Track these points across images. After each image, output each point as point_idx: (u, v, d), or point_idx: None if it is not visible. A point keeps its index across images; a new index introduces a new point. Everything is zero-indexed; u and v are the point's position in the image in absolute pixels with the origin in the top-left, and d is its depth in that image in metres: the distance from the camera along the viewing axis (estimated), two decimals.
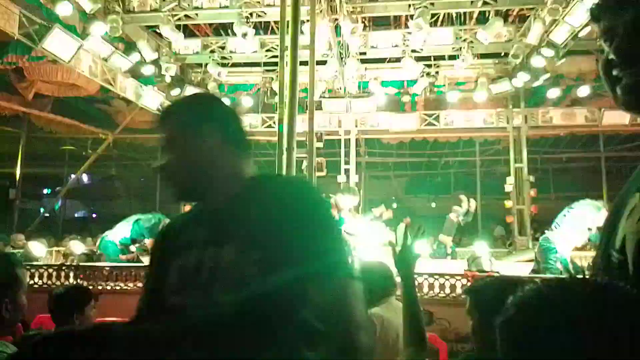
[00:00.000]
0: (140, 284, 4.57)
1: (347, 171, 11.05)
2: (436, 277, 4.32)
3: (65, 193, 16.00)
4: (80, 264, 5.42)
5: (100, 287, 4.63)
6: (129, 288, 4.65)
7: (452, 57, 9.71)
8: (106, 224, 7.97)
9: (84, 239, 8.86)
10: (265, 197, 1.13)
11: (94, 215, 20.93)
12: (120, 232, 6.51)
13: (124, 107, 11.44)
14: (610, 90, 0.84)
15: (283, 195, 1.13)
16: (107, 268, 4.98)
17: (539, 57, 8.20)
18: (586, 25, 7.08)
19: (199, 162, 1.17)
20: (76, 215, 21.01)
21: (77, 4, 6.68)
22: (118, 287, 4.70)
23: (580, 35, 7.24)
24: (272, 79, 10.38)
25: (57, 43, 6.81)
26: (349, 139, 11.25)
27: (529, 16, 8.34)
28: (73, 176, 15.31)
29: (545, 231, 5.30)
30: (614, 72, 0.82)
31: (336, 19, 7.86)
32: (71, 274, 4.90)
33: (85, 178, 18.43)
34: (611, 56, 0.82)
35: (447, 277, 4.33)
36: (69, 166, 16.15)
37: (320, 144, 5.77)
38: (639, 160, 7.06)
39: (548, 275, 4.46)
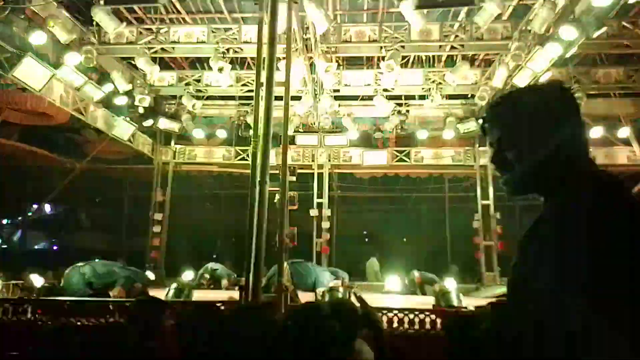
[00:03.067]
0: (103, 320, 4.40)
1: (319, 205, 11.10)
2: (406, 312, 4.34)
3: (27, 224, 15.37)
4: (41, 297, 5.18)
5: (62, 322, 4.43)
6: (90, 324, 4.46)
7: (422, 97, 10.10)
8: (68, 257, 7.71)
9: (45, 272, 8.48)
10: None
11: (55, 248, 20.10)
12: (97, 271, 6.49)
13: (94, 137, 11.26)
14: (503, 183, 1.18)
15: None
16: (69, 302, 4.78)
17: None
18: (547, 70, 7.55)
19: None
20: (36, 247, 20.12)
21: (51, 33, 6.68)
22: (79, 323, 4.50)
23: (541, 80, 7.65)
24: (247, 112, 10.49)
25: (28, 72, 6.75)
26: (322, 174, 11.35)
27: (494, 61, 8.81)
28: (36, 206, 14.77)
29: None
30: (497, 165, 1.18)
31: (311, 58, 8.10)
32: (29, 309, 4.67)
33: (48, 209, 17.80)
34: (494, 154, 1.18)
35: (416, 312, 4.35)
36: (33, 195, 15.59)
37: (293, 178, 5.81)
38: None
39: None
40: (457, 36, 7.70)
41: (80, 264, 6.44)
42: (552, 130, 1.12)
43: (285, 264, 4.88)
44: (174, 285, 6.61)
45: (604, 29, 6.87)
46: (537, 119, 1.14)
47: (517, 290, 1.08)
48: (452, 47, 7.95)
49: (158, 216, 11.22)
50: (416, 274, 9.35)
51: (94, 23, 7.27)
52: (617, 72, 9.36)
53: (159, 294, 5.62)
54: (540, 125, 1.13)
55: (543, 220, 1.09)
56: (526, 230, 1.11)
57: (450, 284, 8.54)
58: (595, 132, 9.77)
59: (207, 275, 9.45)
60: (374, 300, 6.09)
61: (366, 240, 15.96)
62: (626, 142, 10.59)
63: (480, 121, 1.29)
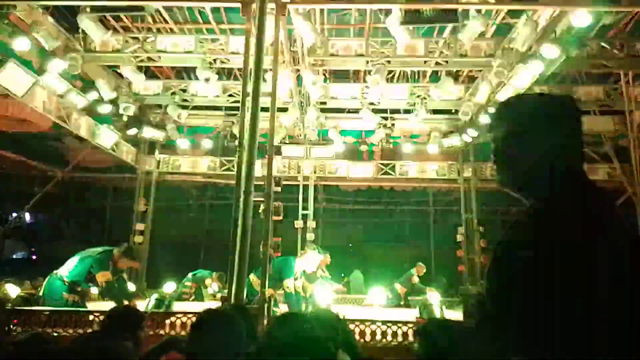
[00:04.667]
0: (81, 330, 4.30)
1: (304, 217, 11.08)
2: (389, 324, 4.33)
3: (5, 232, 15.02)
4: (16, 307, 5.04)
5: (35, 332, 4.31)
6: (67, 334, 4.36)
7: (407, 111, 10.22)
8: (47, 266, 7.51)
9: (22, 282, 8.27)
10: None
11: (34, 257, 19.63)
12: (69, 267, 6.10)
13: (77, 145, 11.11)
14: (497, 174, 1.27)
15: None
16: (46, 312, 4.67)
17: (487, 115, 8.77)
18: (529, 88, 7.71)
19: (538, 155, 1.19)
20: (14, 256, 19.63)
21: (35, 39, 6.61)
22: (56, 334, 4.39)
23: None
24: (233, 122, 10.47)
25: (10, 77, 6.64)
26: (308, 185, 11.36)
27: (477, 77, 8.98)
28: (15, 214, 14.45)
29: None
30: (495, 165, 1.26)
31: (298, 70, 8.15)
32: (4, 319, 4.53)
33: (28, 217, 17.41)
34: (514, 149, 1.22)
35: (399, 324, 4.34)
36: (12, 203, 15.25)
37: (279, 189, 5.80)
38: None
39: None
40: (441, 52, 7.83)
41: (55, 270, 6.18)
42: (553, 139, 1.18)
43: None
44: (155, 296, 6.50)
45: (584, 48, 7.07)
46: (543, 124, 1.19)
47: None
48: (437, 63, 8.08)
49: (140, 226, 11.06)
50: (398, 286, 9.37)
51: (80, 30, 7.23)
52: (597, 91, 9.61)
53: (140, 305, 5.52)
54: (543, 132, 1.19)
55: (519, 226, 1.15)
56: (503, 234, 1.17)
57: (433, 296, 8.56)
58: None
59: (187, 283, 9.34)
60: (356, 313, 6.07)
61: (351, 252, 15.94)
62: (606, 159, 10.85)
63: (488, 118, 1.36)
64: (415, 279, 9.54)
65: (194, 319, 3.81)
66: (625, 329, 0.92)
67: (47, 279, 6.14)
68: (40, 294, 5.96)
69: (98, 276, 5.96)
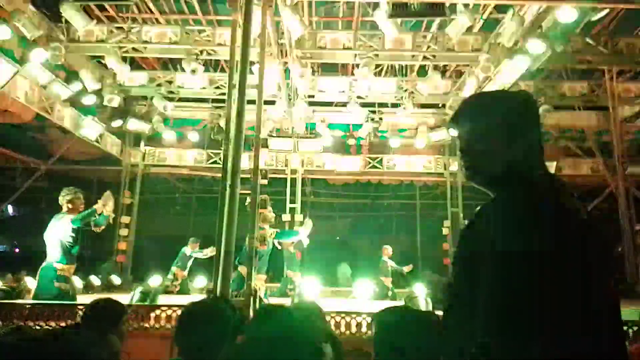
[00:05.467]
0: (63, 324, 4.25)
1: (292, 210, 11.07)
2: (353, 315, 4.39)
3: None
4: None
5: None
6: (50, 328, 4.30)
7: (395, 105, 10.24)
8: (30, 260, 7.37)
9: (3, 275, 8.15)
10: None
11: (16, 250, 19.33)
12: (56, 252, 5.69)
13: (61, 137, 10.92)
14: (462, 169, 1.32)
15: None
16: (27, 306, 4.60)
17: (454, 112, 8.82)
18: (515, 83, 7.78)
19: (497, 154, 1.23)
20: None
21: (17, 28, 6.46)
22: (39, 327, 4.33)
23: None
24: (220, 115, 10.39)
25: None
26: (295, 179, 11.34)
27: (464, 72, 9.02)
28: None
29: None
30: (461, 161, 1.31)
31: (286, 63, 8.11)
32: None
33: (10, 210, 17.13)
34: (461, 154, 1.30)
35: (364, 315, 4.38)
36: None
37: (265, 181, 5.79)
38: None
39: None
40: (429, 47, 7.85)
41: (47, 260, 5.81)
42: (513, 135, 1.21)
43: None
44: (139, 289, 6.44)
45: (569, 44, 7.15)
46: (503, 122, 1.23)
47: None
48: (425, 57, 8.11)
49: (125, 219, 10.96)
50: (383, 278, 9.43)
51: (63, 20, 7.09)
52: (582, 86, 9.73)
53: (124, 298, 5.46)
54: (503, 129, 1.22)
55: (480, 214, 1.20)
56: (468, 222, 1.25)
57: (419, 289, 8.62)
58: (561, 143, 10.13)
59: (172, 272, 9.19)
60: (342, 305, 6.10)
61: (338, 245, 16.00)
62: (590, 153, 11.01)
63: (451, 116, 1.38)
64: (388, 262, 9.61)
65: (179, 311, 3.80)
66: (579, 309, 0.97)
67: (39, 270, 5.92)
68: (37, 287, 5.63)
69: None
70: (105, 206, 5.43)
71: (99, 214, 5.42)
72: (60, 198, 5.60)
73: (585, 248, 1.02)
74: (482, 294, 1.02)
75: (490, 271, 1.02)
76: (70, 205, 5.45)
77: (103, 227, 5.61)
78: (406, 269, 9.68)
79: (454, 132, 1.33)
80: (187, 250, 9.17)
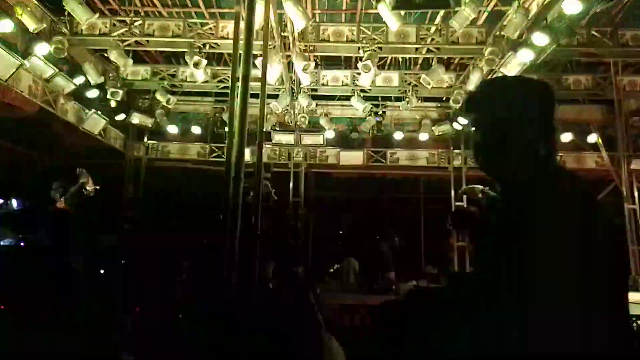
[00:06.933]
0: None
1: (295, 204, 11.07)
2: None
3: None
4: None
5: None
6: None
7: (398, 99, 10.18)
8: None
9: None
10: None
11: (22, 244, 19.45)
12: None
13: (64, 131, 10.93)
14: (475, 156, 1.28)
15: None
16: None
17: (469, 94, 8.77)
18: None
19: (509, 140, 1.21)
20: (2, 242, 19.43)
21: (20, 22, 6.45)
22: None
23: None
24: (223, 109, 10.37)
25: None
26: (298, 173, 11.32)
27: (468, 65, 8.96)
28: (1, 201, 14.23)
29: None
30: (479, 148, 1.26)
31: (289, 56, 8.07)
32: None
33: (15, 204, 17.19)
34: (478, 138, 1.25)
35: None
36: None
37: (268, 175, 5.80)
38: None
39: None
40: (433, 39, 7.79)
41: None
42: (529, 122, 1.20)
43: None
44: None
45: (575, 37, 7.08)
46: (519, 108, 1.21)
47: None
48: (429, 50, 8.05)
49: (128, 213, 10.99)
50: (391, 274, 9.42)
51: (66, 13, 7.07)
52: (587, 80, 9.65)
53: None
54: (520, 115, 1.21)
55: (503, 210, 1.21)
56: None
57: (423, 283, 8.64)
58: (565, 137, 10.06)
59: None
60: (345, 299, 6.11)
61: (341, 240, 16.00)
62: (594, 148, 10.94)
63: (469, 96, 1.39)
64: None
65: None
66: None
67: None
68: None
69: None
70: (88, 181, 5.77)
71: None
72: (51, 192, 5.95)
73: (611, 237, 1.06)
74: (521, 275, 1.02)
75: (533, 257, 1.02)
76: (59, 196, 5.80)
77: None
78: None
79: (469, 115, 1.33)
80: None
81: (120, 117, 9.92)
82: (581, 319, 0.95)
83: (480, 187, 4.14)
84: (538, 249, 1.00)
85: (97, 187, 5.99)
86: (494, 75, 7.92)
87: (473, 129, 1.28)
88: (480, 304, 1.12)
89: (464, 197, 6.11)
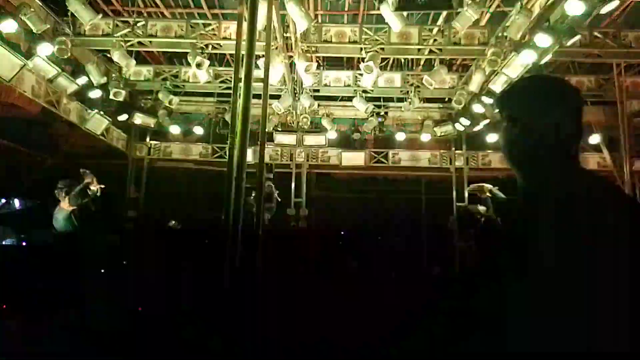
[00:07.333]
0: None
1: (297, 204, 11.07)
2: None
3: None
4: None
5: None
6: None
7: (400, 100, 10.19)
8: None
9: None
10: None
11: (24, 244, 19.47)
12: None
13: (66, 131, 10.96)
14: (508, 152, 1.33)
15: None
16: None
17: (479, 104, 8.77)
18: (521, 77, 7.70)
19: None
20: (4, 242, 19.46)
21: (23, 22, 6.47)
22: None
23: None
24: (225, 109, 10.39)
25: None
26: (300, 173, 11.33)
27: (471, 66, 8.96)
28: (4, 201, 14.27)
29: None
30: (516, 142, 1.30)
31: (291, 56, 8.08)
32: None
33: (17, 204, 17.23)
34: (515, 132, 1.30)
35: None
36: (0, 190, 15.05)
37: (270, 175, 5.81)
38: None
39: None
40: (435, 40, 7.79)
41: None
42: (563, 122, 1.25)
43: None
44: None
45: (577, 37, 7.06)
46: (550, 106, 1.26)
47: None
48: (431, 51, 8.05)
49: (131, 213, 11.01)
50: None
51: (69, 13, 7.09)
52: (589, 81, 9.63)
53: None
54: (556, 114, 1.26)
55: (526, 204, 1.28)
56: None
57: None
58: None
59: None
60: None
61: (342, 241, 15.99)
62: (597, 149, 10.92)
63: (501, 95, 1.44)
64: None
65: None
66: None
67: None
68: None
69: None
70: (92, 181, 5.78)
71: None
72: (55, 191, 6.00)
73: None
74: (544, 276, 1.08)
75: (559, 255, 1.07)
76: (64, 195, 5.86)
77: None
78: None
79: (503, 110, 1.35)
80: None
81: (123, 117, 9.94)
82: (617, 317, 1.00)
83: (490, 186, 4.13)
84: (568, 244, 1.06)
85: (102, 187, 6.06)
86: (496, 77, 7.92)
87: (505, 124, 1.33)
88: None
89: (471, 195, 6.08)
